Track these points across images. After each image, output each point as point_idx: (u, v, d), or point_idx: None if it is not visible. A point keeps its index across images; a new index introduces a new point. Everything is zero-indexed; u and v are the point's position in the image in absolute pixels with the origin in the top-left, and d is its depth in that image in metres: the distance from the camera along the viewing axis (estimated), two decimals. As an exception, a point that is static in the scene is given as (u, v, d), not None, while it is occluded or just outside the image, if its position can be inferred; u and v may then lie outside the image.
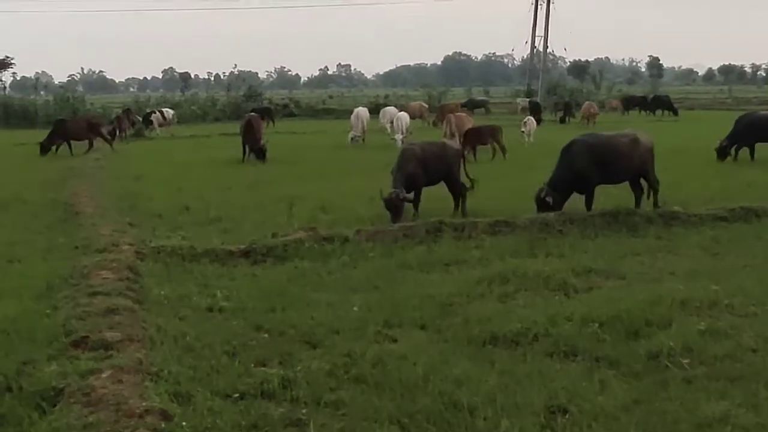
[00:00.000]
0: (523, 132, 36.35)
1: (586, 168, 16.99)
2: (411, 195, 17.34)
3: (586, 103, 53.99)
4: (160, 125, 48.92)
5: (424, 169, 17.82)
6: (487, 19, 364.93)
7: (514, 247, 14.27)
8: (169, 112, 52.30)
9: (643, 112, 66.15)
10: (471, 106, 65.49)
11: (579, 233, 15.32)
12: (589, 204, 17.14)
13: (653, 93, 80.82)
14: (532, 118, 39.05)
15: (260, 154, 30.62)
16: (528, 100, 65.07)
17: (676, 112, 62.77)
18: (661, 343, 8.90)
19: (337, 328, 9.81)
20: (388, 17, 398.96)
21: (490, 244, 14.58)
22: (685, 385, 7.95)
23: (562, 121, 54.93)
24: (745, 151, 27.72)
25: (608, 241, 14.97)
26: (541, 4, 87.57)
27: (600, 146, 17.43)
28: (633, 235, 15.38)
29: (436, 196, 18.53)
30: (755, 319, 9.92)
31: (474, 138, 29.73)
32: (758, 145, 27.52)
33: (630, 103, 69.58)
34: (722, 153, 27.43)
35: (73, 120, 39.11)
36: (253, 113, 36.96)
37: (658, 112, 64.59)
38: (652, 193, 17.92)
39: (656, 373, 8.29)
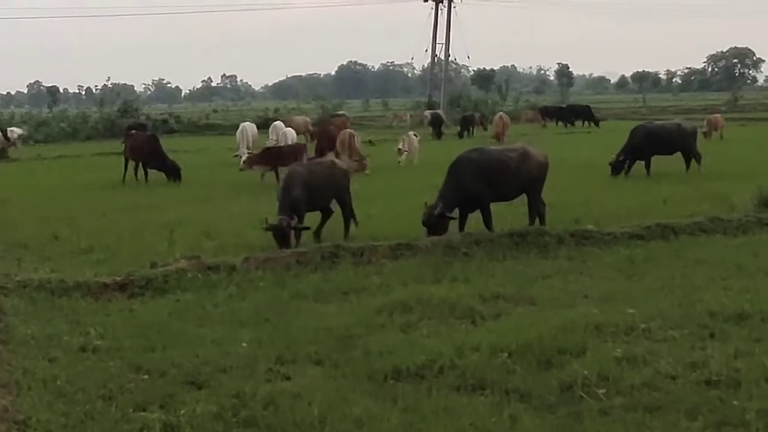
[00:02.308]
0: (399, 149, 34.95)
1: (473, 186, 17.11)
2: (299, 221, 16.97)
3: (499, 114, 52.44)
4: (1, 146, 47.15)
5: (310, 192, 17.50)
6: (384, 27, 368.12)
7: (416, 272, 14.34)
8: (14, 132, 49.72)
9: (560, 123, 66.93)
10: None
11: (486, 256, 15.39)
12: (488, 223, 17.28)
13: (564, 102, 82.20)
14: (413, 135, 36.97)
15: (176, 173, 29.66)
16: (430, 112, 65.28)
17: (597, 123, 63.70)
18: (575, 373, 9.03)
19: (225, 366, 9.73)
20: (277, 23, 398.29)
21: (391, 269, 14.63)
22: (601, 417, 8.07)
23: (461, 135, 54.45)
24: (659, 164, 27.68)
25: (517, 263, 15.10)
26: (441, 10, 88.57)
27: (486, 162, 17.57)
28: (543, 257, 15.54)
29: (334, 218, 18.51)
30: (674, 343, 10.10)
31: (274, 159, 27.74)
32: (671, 159, 27.72)
33: (545, 113, 70.51)
34: (617, 168, 27.15)
35: None
36: (131, 130, 36.37)
37: (578, 123, 65.46)
38: (530, 218, 17.82)
39: (570, 405, 8.39)
